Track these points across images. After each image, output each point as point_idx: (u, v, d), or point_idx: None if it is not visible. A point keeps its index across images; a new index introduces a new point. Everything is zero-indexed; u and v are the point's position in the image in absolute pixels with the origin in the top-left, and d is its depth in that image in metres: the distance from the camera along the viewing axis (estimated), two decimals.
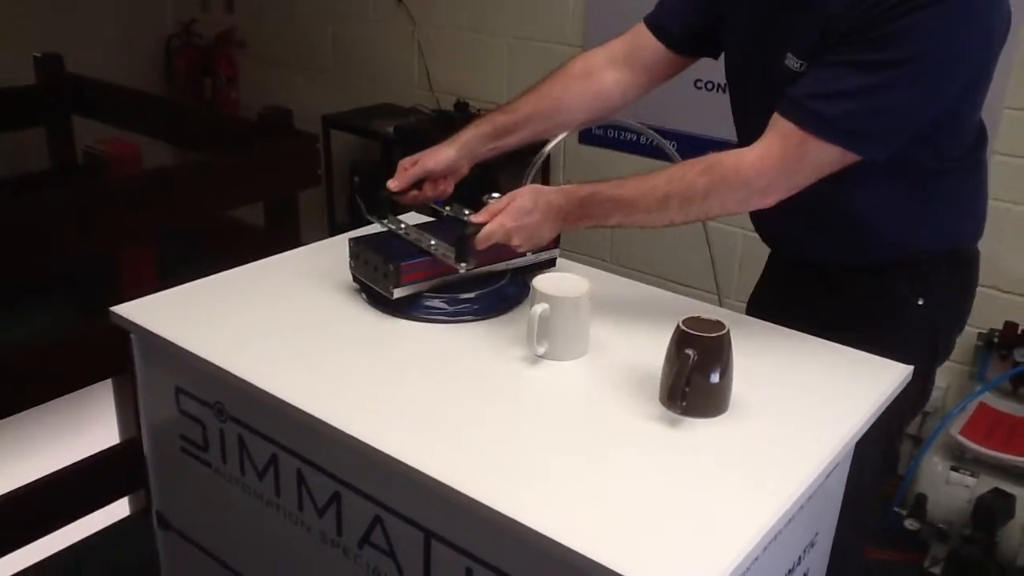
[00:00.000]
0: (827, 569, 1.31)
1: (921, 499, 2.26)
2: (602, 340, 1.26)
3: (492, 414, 1.10)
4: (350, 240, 1.37)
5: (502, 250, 1.29)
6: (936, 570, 2.28)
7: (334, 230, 3.49)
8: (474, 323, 1.31)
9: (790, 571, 1.14)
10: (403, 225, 1.41)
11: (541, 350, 1.20)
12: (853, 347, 1.27)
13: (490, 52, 3.31)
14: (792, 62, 1.25)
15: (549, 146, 1.39)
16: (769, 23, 1.31)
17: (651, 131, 1.41)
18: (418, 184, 1.45)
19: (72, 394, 2.01)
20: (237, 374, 1.15)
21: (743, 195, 1.23)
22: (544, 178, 3.26)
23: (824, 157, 1.20)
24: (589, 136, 3.16)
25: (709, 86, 2.73)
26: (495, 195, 1.32)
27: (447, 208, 1.49)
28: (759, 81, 1.34)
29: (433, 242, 1.33)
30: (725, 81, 1.48)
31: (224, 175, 2.31)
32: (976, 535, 2.16)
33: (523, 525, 0.89)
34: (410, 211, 1.63)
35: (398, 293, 1.29)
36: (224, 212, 2.60)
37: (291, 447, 1.16)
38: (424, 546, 1.03)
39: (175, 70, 4.25)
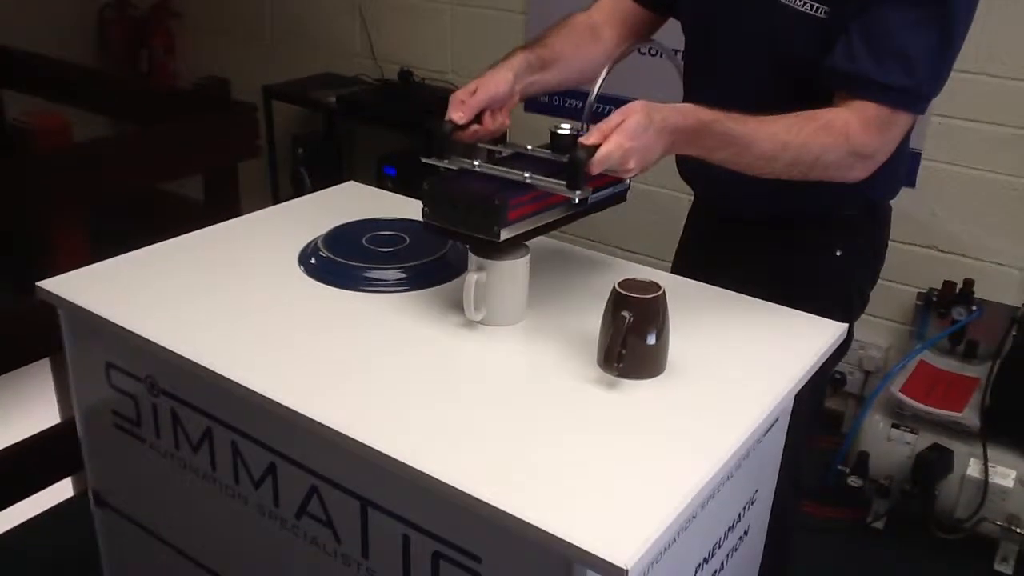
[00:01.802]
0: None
1: (863, 456, 2.31)
2: (540, 305, 1.25)
3: (428, 380, 1.09)
4: (426, 182, 1.17)
5: (604, 175, 1.13)
6: (878, 525, 2.33)
7: (277, 203, 3.44)
8: (414, 292, 1.29)
9: (730, 528, 1.16)
10: (476, 163, 1.20)
11: (478, 316, 1.19)
12: (776, 302, 1.29)
13: (432, 19, 3.27)
14: (800, 2, 1.24)
15: (599, 81, 1.27)
16: None
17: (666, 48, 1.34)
18: (476, 118, 1.26)
19: (8, 374, 1.96)
20: (167, 347, 1.12)
21: (850, 160, 1.22)
22: None
23: (907, 124, 1.24)
24: (536, 104, 3.14)
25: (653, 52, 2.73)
26: (564, 125, 1.21)
27: (500, 146, 1.30)
28: (741, 23, 1.32)
29: (527, 174, 1.15)
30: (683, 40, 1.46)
31: (158, 146, 2.25)
32: (916, 490, 2.21)
33: (458, 490, 0.89)
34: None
35: (505, 234, 1.12)
36: (159, 184, 2.54)
37: (225, 419, 1.14)
38: (361, 514, 1.02)
39: (109, 42, 4.13)
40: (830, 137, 1.19)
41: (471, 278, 1.16)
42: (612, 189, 1.23)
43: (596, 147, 1.07)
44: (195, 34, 4.01)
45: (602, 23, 1.47)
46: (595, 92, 1.28)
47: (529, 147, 1.26)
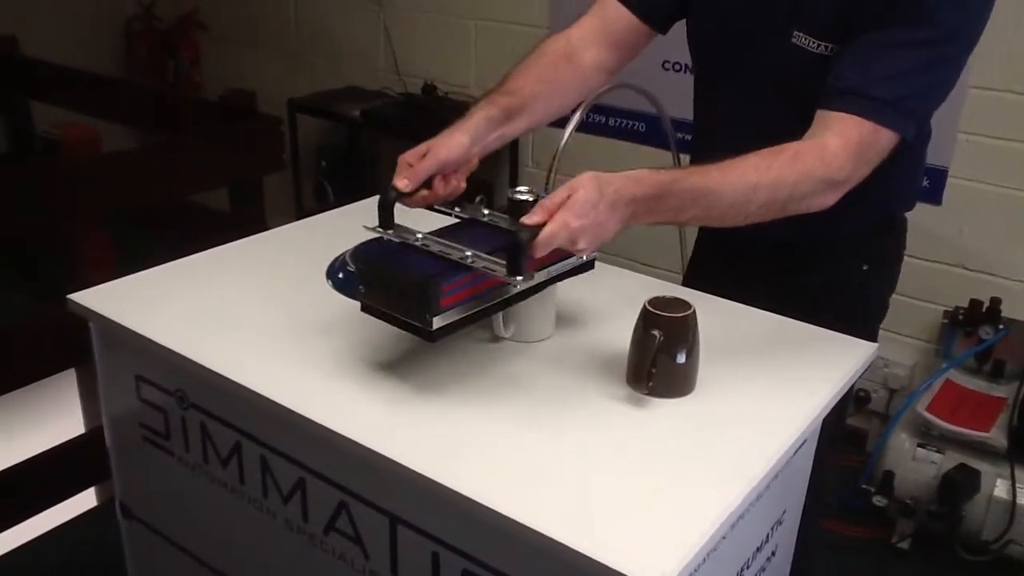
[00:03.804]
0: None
1: (888, 476, 2.28)
2: (568, 321, 1.25)
3: (457, 398, 1.09)
4: (355, 259, 1.08)
5: (552, 254, 1.05)
6: (903, 546, 2.30)
7: (301, 215, 3.46)
8: None
9: (758, 549, 1.15)
10: (418, 235, 1.12)
11: (507, 332, 1.19)
12: (799, 318, 1.29)
13: (456, 34, 3.28)
14: (806, 41, 1.24)
15: (575, 117, 1.18)
16: None
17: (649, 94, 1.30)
18: (427, 183, 1.18)
19: (35, 384, 1.98)
20: (198, 361, 1.13)
21: (822, 187, 1.17)
22: (513, 160, 3.25)
23: (888, 145, 1.19)
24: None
25: (677, 67, 2.73)
26: (522, 189, 1.15)
27: (456, 209, 1.22)
28: (753, 58, 1.32)
29: (468, 254, 1.05)
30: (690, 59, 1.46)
31: (184, 158, 2.27)
32: (942, 511, 2.19)
33: (488, 508, 0.89)
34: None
35: (438, 323, 1.03)
36: (185, 196, 2.56)
37: (255, 434, 1.14)
38: (390, 531, 1.02)
39: (136, 53, 4.17)
40: (802, 165, 1.15)
41: None
42: (575, 259, 1.14)
43: (540, 227, 0.99)
44: (221, 45, 4.05)
45: (581, 45, 1.40)
46: (568, 134, 1.24)
47: (486, 212, 1.20)
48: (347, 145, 3.57)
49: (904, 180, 1.41)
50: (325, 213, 1.69)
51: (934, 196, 2.43)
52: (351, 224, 1.55)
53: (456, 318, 1.05)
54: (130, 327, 1.21)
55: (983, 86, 2.32)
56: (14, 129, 3.26)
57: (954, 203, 2.44)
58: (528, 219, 1.00)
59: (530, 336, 1.21)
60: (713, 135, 1.49)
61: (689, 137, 1.56)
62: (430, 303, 1.02)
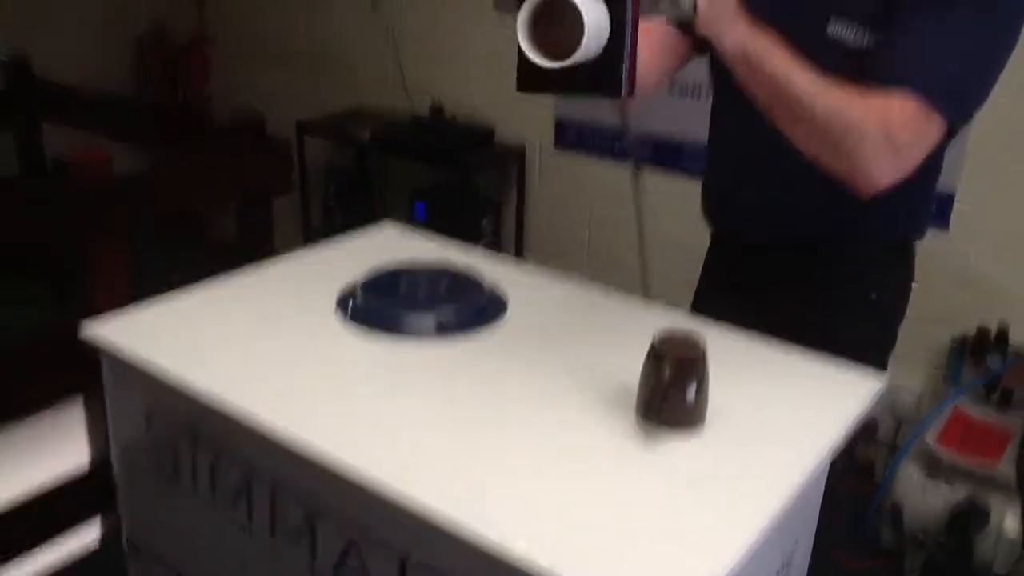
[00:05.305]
0: None
1: (897, 507, 2.27)
2: (577, 352, 1.25)
3: (463, 431, 1.08)
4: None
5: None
6: None
7: (308, 236, 3.47)
8: (453, 337, 1.29)
9: None
10: None
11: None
12: (807, 344, 1.28)
13: (465, 55, 3.30)
14: (845, 31, 1.21)
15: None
16: None
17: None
18: None
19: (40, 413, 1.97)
20: (210, 397, 1.13)
21: (879, 149, 1.12)
22: (521, 182, 3.26)
23: (938, 133, 1.17)
24: (565, 140, 3.15)
25: (682, 91, 2.73)
26: None
27: None
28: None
29: None
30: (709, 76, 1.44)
31: (194, 181, 2.28)
32: (952, 543, 2.17)
33: (498, 546, 0.88)
34: None
35: None
36: (193, 216, 2.57)
37: (264, 471, 1.14)
38: (399, 570, 1.02)
39: (148, 70, 4.20)
40: (870, 110, 1.12)
41: None
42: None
43: None
44: (231, 63, 4.07)
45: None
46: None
47: None
48: (355, 166, 3.59)
49: (920, 200, 1.40)
50: (335, 241, 1.69)
51: (941, 221, 2.43)
52: (362, 252, 1.56)
53: None
54: (142, 361, 1.21)
55: (989, 108, 2.32)
56: (25, 151, 3.28)
57: (960, 228, 2.44)
58: None
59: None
60: (728, 151, 1.49)
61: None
62: None
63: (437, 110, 3.32)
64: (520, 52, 1.00)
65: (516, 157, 3.25)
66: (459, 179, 3.27)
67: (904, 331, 1.51)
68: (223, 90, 4.09)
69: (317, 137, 3.46)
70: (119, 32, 4.14)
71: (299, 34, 3.80)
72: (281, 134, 3.20)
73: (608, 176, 3.05)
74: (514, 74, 1.02)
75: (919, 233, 1.45)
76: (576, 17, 0.94)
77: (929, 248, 1.49)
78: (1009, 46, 1.19)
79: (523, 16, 0.99)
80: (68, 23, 3.86)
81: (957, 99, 1.16)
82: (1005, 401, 2.36)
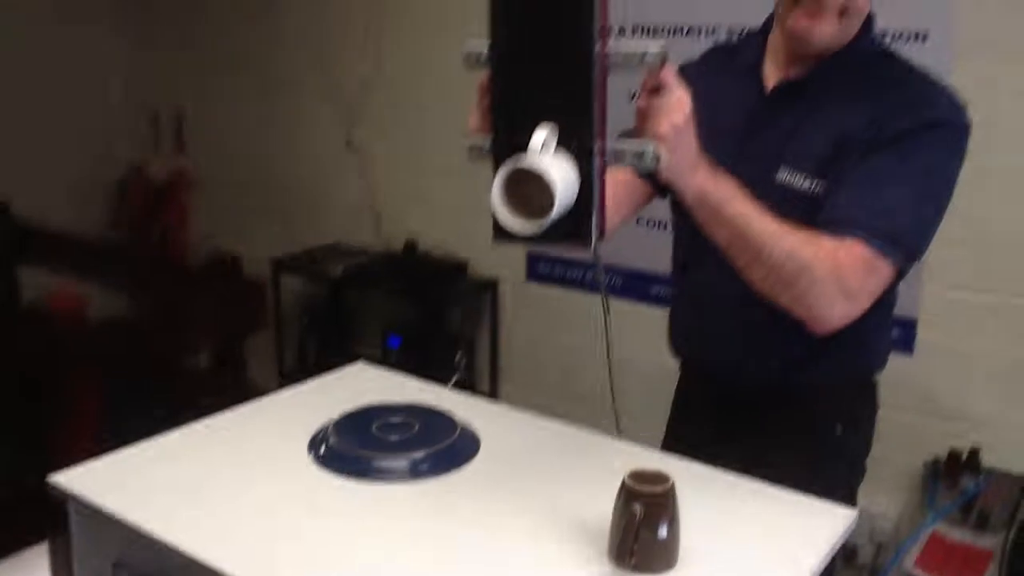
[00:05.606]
0: None
1: None
2: (545, 493, 1.25)
3: (436, 574, 1.08)
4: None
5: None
6: None
7: (282, 369, 3.47)
8: (424, 481, 1.29)
9: None
10: None
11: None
12: (776, 480, 1.29)
13: (439, 192, 3.39)
14: (794, 178, 1.28)
15: None
16: (750, 139, 1.35)
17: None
18: None
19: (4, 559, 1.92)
20: (178, 549, 1.12)
21: (832, 292, 1.18)
22: (494, 314, 3.30)
23: (888, 276, 1.23)
24: (537, 273, 3.22)
25: (651, 224, 2.82)
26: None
27: None
28: None
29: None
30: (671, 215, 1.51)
31: (171, 324, 2.31)
32: None
33: None
34: None
35: None
36: (167, 361, 2.58)
37: None
38: None
39: (128, 210, 4.27)
40: (822, 254, 1.17)
41: None
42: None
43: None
44: (209, 202, 4.15)
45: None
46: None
47: None
48: (329, 300, 3.63)
49: (878, 336, 1.45)
50: (308, 382, 1.70)
51: (905, 346, 2.49)
52: (335, 394, 1.57)
53: None
54: (110, 510, 1.20)
55: (949, 237, 2.41)
56: (0, 294, 3.29)
57: (924, 353, 2.49)
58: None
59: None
60: (689, 287, 1.54)
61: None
62: None
63: (410, 245, 3.40)
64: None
65: (489, 289, 3.31)
66: (432, 312, 3.31)
67: (878, 456, 1.53)
68: (201, 229, 4.16)
69: (293, 274, 3.52)
70: (99, 174, 4.23)
71: (276, 173, 3.90)
72: (257, 271, 3.26)
73: (580, 306, 3.10)
74: (486, 210, 1.05)
75: (880, 365, 1.49)
76: (547, 187, 0.99)
77: (895, 374, 1.53)
78: (950, 193, 1.27)
79: (497, 184, 1.04)
80: (48, 166, 3.93)
81: (904, 244, 1.22)
82: (982, 522, 2.36)
